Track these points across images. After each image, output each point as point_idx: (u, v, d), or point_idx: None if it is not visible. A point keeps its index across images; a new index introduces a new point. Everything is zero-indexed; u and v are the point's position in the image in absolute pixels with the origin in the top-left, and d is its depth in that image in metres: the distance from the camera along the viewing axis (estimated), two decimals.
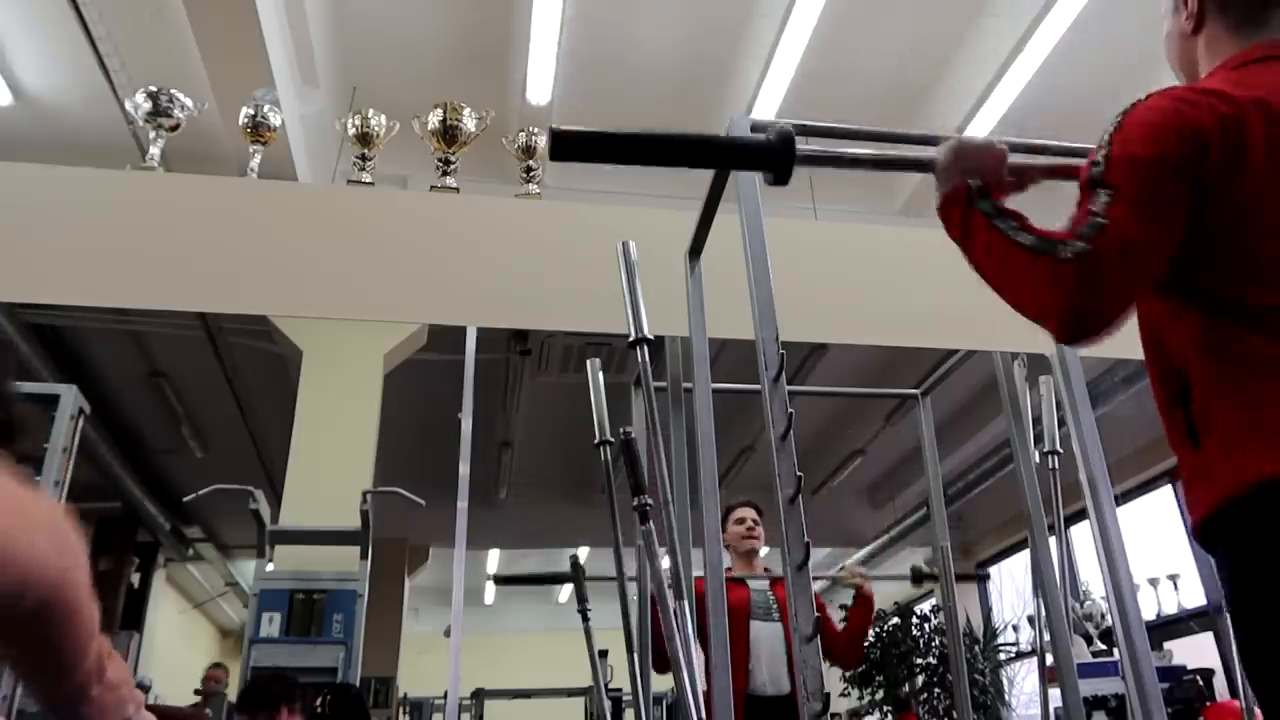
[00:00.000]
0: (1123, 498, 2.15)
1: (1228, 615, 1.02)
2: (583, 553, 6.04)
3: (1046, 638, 2.82)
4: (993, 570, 8.24)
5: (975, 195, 1.17)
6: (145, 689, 1.54)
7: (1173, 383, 1.07)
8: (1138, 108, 1.09)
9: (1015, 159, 1.24)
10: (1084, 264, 0.99)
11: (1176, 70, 1.29)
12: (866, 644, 7.21)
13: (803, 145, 1.27)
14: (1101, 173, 1.04)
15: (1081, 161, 1.10)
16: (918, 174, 1.29)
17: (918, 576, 5.04)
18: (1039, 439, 2.90)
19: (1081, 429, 2.14)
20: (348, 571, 3.43)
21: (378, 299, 2.88)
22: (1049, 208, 1.17)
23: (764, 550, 3.11)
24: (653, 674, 2.51)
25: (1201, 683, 4.67)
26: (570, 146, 1.23)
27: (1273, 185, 1.03)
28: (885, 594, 7.81)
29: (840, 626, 3.15)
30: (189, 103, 3.15)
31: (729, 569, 2.94)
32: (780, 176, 1.27)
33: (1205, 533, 1.05)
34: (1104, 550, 2.04)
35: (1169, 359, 1.09)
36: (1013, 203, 1.18)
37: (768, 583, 2.95)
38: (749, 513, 3.05)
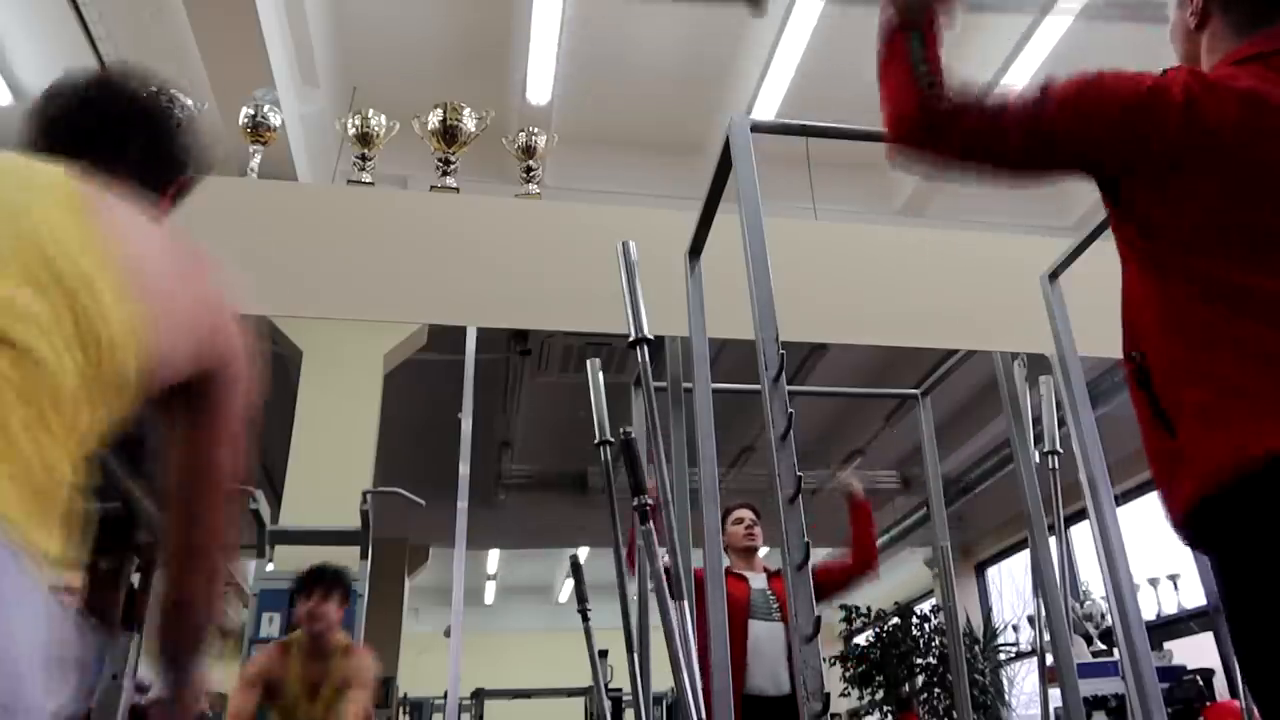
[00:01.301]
0: (1123, 498, 2.14)
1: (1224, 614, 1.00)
2: (583, 553, 6.05)
3: (1046, 638, 2.82)
4: (992, 570, 8.25)
5: (911, 30, 1.20)
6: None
7: (1133, 364, 1.07)
8: None
9: None
10: (949, 118, 1.10)
11: (1180, 64, 1.26)
12: (866, 644, 7.23)
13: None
14: (1054, 79, 1.10)
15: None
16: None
17: None
18: (1039, 439, 2.90)
19: (1081, 429, 2.14)
20: (348, 571, 3.44)
21: (378, 299, 2.88)
22: None
23: (764, 550, 3.12)
24: (652, 674, 2.51)
25: (1201, 683, 4.68)
26: None
27: (1250, 167, 1.02)
28: (886, 593, 7.82)
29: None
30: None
31: (729, 567, 2.94)
32: None
33: (1191, 525, 1.01)
34: (1104, 550, 2.03)
35: (1134, 341, 1.09)
36: None
37: (766, 579, 2.95)
38: (747, 513, 3.06)
